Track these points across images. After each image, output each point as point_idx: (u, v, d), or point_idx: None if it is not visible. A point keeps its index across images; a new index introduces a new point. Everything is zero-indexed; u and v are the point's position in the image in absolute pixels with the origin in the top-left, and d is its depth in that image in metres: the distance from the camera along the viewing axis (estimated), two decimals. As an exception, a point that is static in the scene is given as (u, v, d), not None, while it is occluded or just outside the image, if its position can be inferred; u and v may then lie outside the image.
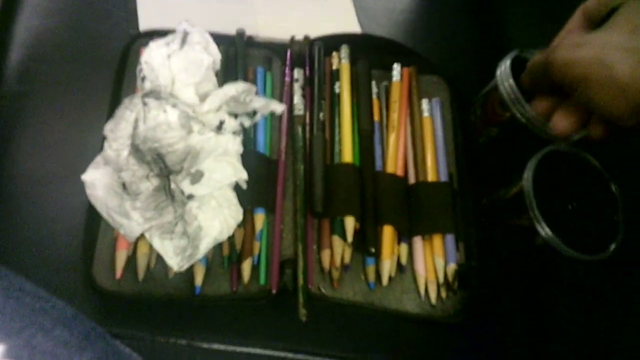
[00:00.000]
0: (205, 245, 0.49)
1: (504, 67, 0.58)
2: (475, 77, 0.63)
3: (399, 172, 0.59)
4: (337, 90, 0.61)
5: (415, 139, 0.60)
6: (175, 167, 0.50)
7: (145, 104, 0.51)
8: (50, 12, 0.64)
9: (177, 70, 0.55)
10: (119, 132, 0.50)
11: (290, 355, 0.51)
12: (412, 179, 0.59)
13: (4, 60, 0.60)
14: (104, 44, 0.62)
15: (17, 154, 0.56)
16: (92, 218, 0.51)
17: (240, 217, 0.51)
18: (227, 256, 0.52)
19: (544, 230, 0.51)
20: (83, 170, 0.50)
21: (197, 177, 0.51)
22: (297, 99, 0.59)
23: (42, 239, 0.52)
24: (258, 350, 0.51)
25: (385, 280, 0.54)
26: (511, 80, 0.56)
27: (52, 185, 0.54)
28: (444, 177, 0.59)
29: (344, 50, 0.63)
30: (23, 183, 0.55)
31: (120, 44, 0.60)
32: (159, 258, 0.50)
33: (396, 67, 0.63)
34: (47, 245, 0.51)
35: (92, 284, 0.50)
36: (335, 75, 0.62)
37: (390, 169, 0.58)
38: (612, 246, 0.53)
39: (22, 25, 0.63)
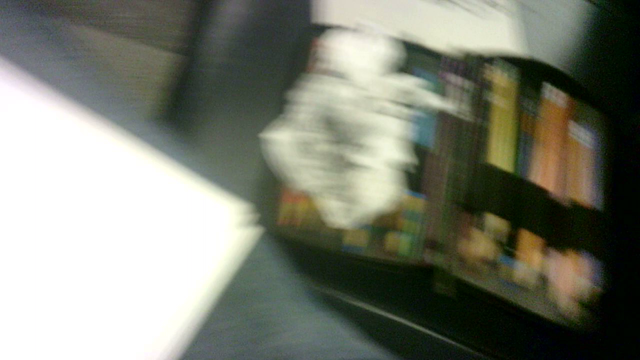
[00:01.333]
0: (362, 213, 0.55)
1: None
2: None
3: (548, 186, 0.61)
4: (492, 101, 0.65)
5: (567, 159, 0.63)
6: (348, 138, 0.57)
7: (326, 81, 0.58)
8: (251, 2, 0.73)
9: (354, 58, 0.61)
10: (301, 99, 0.57)
11: (421, 328, 0.54)
12: (558, 194, 0.61)
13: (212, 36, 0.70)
14: (282, 32, 0.70)
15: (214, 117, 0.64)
16: (268, 170, 0.58)
17: (396, 195, 0.56)
18: (378, 227, 0.57)
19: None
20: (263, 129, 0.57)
21: (365, 150, 0.56)
22: (455, 103, 0.64)
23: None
24: (391, 316, 0.54)
25: (520, 281, 0.56)
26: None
27: (237, 141, 0.61)
28: (593, 201, 0.61)
29: (502, 64, 0.67)
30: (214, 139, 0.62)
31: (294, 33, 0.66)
32: (319, 215, 0.56)
33: (556, 91, 0.66)
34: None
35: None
36: (492, 86, 0.66)
37: (538, 180, 0.61)
38: None
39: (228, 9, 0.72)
